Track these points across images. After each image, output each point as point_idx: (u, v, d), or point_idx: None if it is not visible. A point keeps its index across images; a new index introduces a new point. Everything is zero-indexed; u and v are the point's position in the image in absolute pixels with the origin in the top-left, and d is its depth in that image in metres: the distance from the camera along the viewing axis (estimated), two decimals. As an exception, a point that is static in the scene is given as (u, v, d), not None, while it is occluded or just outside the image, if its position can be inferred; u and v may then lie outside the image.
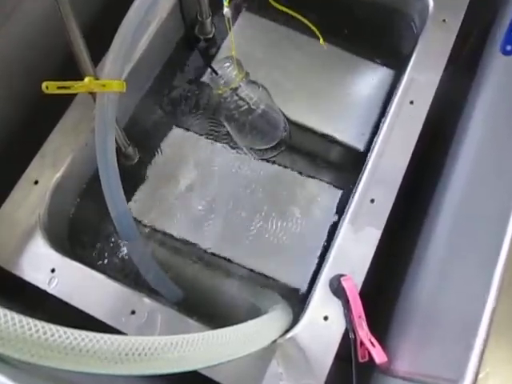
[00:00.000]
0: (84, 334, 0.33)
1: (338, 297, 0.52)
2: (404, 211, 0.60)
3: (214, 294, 0.64)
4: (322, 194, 0.69)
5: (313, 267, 0.65)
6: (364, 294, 0.51)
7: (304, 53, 0.77)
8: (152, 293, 0.60)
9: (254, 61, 0.71)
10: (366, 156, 0.67)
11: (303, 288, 0.64)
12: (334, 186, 0.70)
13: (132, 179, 0.69)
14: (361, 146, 0.71)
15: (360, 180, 0.59)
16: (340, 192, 0.69)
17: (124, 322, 0.52)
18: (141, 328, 0.52)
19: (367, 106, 0.74)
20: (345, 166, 0.71)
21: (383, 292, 0.59)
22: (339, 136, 0.72)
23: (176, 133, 0.72)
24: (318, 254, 0.65)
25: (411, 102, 0.61)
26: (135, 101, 0.72)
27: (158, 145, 0.71)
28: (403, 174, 0.57)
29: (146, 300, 0.53)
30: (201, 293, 0.64)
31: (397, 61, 0.75)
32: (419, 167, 0.60)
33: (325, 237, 0.66)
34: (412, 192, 0.62)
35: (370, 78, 0.76)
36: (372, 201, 0.56)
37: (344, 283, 0.51)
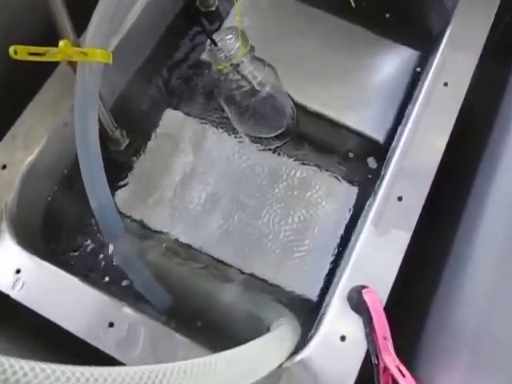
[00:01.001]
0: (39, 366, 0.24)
1: (359, 313, 0.43)
2: (430, 209, 0.51)
3: (210, 303, 0.55)
4: (336, 192, 0.60)
5: (324, 273, 0.56)
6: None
7: (318, 30, 0.68)
8: (138, 300, 0.52)
9: (262, 37, 0.62)
10: (386, 148, 0.59)
11: (313, 297, 0.55)
12: (349, 182, 0.61)
13: (119, 167, 0.61)
14: (380, 137, 0.63)
15: (384, 174, 0.50)
16: (356, 189, 0.60)
17: (100, 336, 0.43)
18: (120, 343, 0.43)
19: (388, 91, 0.65)
20: (361, 159, 0.62)
21: (406, 304, 0.50)
22: (355, 125, 0.63)
23: (171, 116, 0.64)
24: (330, 259, 0.56)
25: (445, 84, 0.53)
26: (125, 79, 0.63)
27: (150, 129, 0.63)
28: (437, 168, 0.48)
29: (127, 310, 0.44)
30: (194, 301, 0.55)
31: (423, 41, 0.66)
32: (448, 159, 0.51)
33: (338, 240, 0.57)
34: (439, 187, 0.53)
35: (392, 61, 0.67)
36: (399, 198, 0.47)
37: (366, 296, 0.42)
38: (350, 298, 0.44)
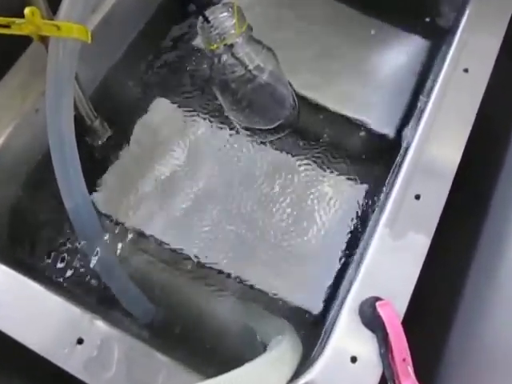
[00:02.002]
0: None
1: (372, 329, 0.37)
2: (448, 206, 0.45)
3: (199, 316, 0.48)
4: (341, 191, 0.55)
5: (329, 282, 0.50)
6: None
7: (322, 17, 0.63)
8: (116, 312, 0.46)
9: (260, 21, 0.57)
10: (396, 143, 0.53)
11: (316, 309, 0.49)
12: (355, 180, 0.55)
13: (99, 162, 0.55)
14: (390, 131, 0.57)
15: (398, 171, 0.44)
16: (364, 188, 0.55)
17: (66, 354, 0.37)
18: (89, 364, 0.36)
19: (397, 82, 0.60)
20: (369, 155, 0.56)
21: (424, 318, 0.44)
22: (362, 118, 0.58)
23: (159, 106, 0.58)
24: (337, 266, 0.50)
25: (465, 70, 0.47)
26: (107, 63, 0.57)
27: (134, 120, 0.57)
28: (459, 161, 0.43)
29: (100, 324, 0.38)
30: (181, 313, 0.49)
31: (434, 29, 0.61)
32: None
33: (345, 244, 0.51)
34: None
35: (401, 50, 0.62)
36: (417, 197, 0.42)
37: (381, 310, 0.36)
38: (361, 312, 0.37)
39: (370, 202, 0.52)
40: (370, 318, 0.37)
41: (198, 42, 0.59)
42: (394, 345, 0.35)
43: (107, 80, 0.56)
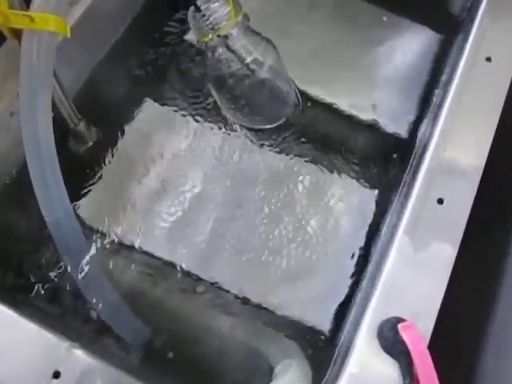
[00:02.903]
0: None
1: (394, 355, 0.32)
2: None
3: (197, 338, 0.44)
4: (349, 196, 0.51)
5: (339, 298, 0.45)
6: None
7: (327, 8, 0.59)
8: (103, 336, 0.41)
9: (260, 13, 0.53)
10: (410, 143, 0.49)
11: (324, 328, 0.44)
12: (365, 184, 0.51)
13: (84, 169, 0.50)
14: (402, 129, 0.53)
15: (416, 172, 0.40)
16: (375, 192, 0.50)
17: (41, 391, 0.32)
18: (67, 402, 0.32)
19: (408, 78, 0.56)
20: (379, 156, 0.53)
21: (449, 341, 0.39)
22: (371, 116, 0.54)
23: (149, 108, 0.54)
24: (348, 280, 0.46)
25: (488, 59, 0.43)
26: (92, 62, 0.53)
27: (123, 123, 0.53)
28: (485, 160, 0.38)
29: (79, 354, 0.33)
30: (176, 335, 0.44)
31: (448, 18, 0.57)
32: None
33: (356, 256, 0.47)
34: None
35: (412, 41, 0.58)
36: (440, 201, 0.37)
37: (404, 334, 0.31)
38: (381, 335, 0.33)
39: (383, 208, 0.48)
40: (391, 342, 0.32)
41: (191, 36, 0.55)
42: (420, 374, 0.30)
43: (92, 80, 0.52)
